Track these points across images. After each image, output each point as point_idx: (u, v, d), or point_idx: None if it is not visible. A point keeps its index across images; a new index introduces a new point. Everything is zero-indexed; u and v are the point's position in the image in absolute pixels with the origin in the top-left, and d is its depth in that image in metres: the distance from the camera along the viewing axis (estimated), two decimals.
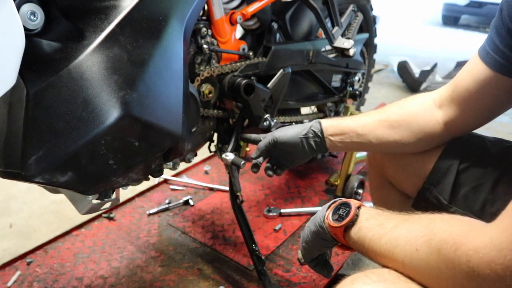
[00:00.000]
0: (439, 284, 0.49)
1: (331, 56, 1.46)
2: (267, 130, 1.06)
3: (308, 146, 0.88)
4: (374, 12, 1.78)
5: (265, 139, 0.92)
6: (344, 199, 0.68)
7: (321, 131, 0.87)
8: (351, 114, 1.61)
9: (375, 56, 1.95)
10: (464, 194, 0.78)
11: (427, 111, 0.81)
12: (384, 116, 0.84)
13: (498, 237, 0.44)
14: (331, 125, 0.88)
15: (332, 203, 0.70)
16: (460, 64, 3.39)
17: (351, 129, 0.85)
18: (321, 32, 1.47)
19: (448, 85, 0.80)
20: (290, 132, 0.89)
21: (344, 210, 0.66)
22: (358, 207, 0.65)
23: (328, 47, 1.43)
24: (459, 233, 0.47)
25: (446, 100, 0.79)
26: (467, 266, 0.45)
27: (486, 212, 0.75)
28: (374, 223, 0.60)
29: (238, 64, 1.11)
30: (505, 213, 0.46)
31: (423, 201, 0.84)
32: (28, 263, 1.28)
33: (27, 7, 0.62)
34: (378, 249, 0.57)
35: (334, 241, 0.68)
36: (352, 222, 0.63)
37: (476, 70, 0.73)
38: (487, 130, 0.87)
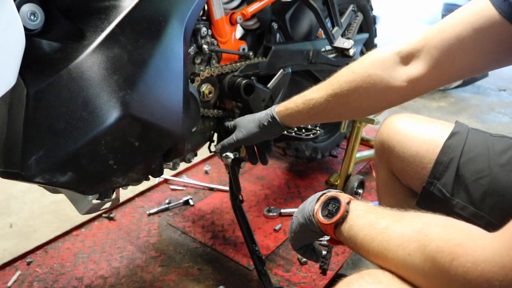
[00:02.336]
0: None
1: (331, 56, 1.46)
2: None
3: (268, 134, 0.92)
4: (374, 12, 1.78)
5: (228, 141, 0.97)
6: (333, 193, 0.67)
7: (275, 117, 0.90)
8: None
9: None
10: (465, 186, 0.78)
11: (390, 71, 0.73)
12: (338, 89, 0.78)
13: (501, 254, 0.42)
14: (283, 105, 0.90)
15: (321, 195, 0.69)
16: None
17: (303, 113, 0.86)
18: (321, 32, 1.47)
19: (422, 35, 0.71)
20: (250, 127, 0.93)
21: (333, 205, 0.65)
22: (348, 203, 0.64)
23: (328, 47, 1.43)
24: (456, 243, 0.46)
25: (418, 51, 0.70)
26: (463, 278, 0.44)
27: (486, 205, 0.75)
28: (365, 222, 0.60)
29: (238, 64, 1.11)
30: (510, 227, 0.44)
31: (428, 196, 0.83)
32: (28, 263, 1.28)
33: (27, 7, 0.63)
34: (370, 250, 0.57)
35: (323, 233, 0.68)
36: (342, 219, 0.63)
37: (478, 16, 0.64)
38: (486, 130, 0.87)
